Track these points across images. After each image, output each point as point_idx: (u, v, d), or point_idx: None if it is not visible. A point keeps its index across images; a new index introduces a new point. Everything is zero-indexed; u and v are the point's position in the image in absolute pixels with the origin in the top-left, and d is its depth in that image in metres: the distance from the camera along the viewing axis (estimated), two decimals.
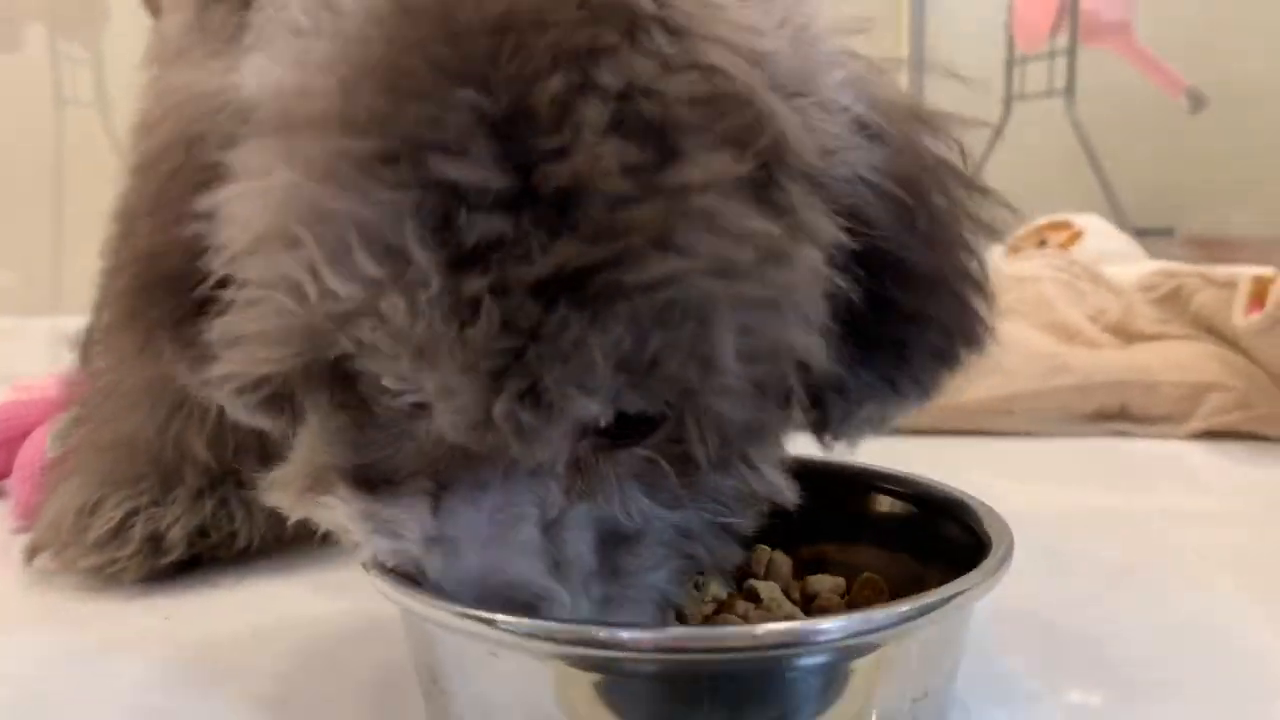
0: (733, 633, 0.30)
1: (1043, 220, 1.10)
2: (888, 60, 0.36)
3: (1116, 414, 0.78)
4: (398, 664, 0.40)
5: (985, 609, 0.34)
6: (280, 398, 0.34)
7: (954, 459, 0.71)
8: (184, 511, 0.51)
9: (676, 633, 0.31)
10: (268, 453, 0.52)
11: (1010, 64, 1.46)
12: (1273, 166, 1.45)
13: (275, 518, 0.52)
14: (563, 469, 0.32)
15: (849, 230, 0.31)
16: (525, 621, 0.30)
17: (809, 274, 0.29)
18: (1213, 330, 0.81)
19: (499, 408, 0.28)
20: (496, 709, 0.32)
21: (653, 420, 0.31)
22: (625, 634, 0.29)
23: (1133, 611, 0.47)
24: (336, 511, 0.33)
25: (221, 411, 0.49)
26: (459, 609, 0.30)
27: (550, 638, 0.29)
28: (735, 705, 0.30)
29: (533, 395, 0.28)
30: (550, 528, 0.32)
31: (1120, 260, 1.02)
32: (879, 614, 0.30)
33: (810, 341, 0.30)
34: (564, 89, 0.26)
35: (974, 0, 1.56)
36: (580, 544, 0.32)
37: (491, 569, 0.31)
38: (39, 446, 0.61)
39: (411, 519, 0.32)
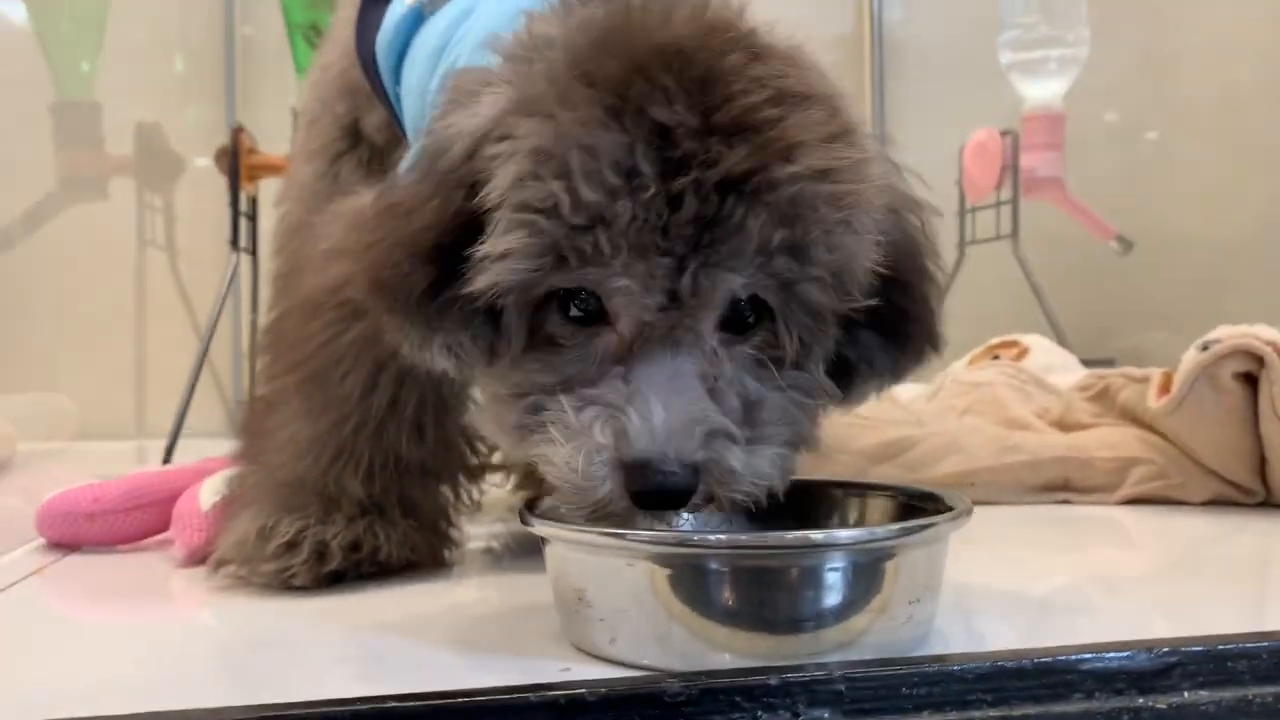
0: (790, 535, 0.46)
1: (995, 340, 1.29)
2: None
3: (1061, 485, 0.94)
4: (525, 612, 0.55)
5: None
6: (491, 319, 0.49)
7: None
8: (342, 530, 0.64)
9: (747, 536, 0.46)
10: (405, 496, 0.67)
11: (962, 214, 1.67)
12: (1198, 300, 1.65)
13: (406, 540, 0.67)
14: (708, 349, 0.48)
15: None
16: (646, 533, 0.46)
17: (872, 205, 0.48)
18: (1135, 418, 0.97)
19: (685, 280, 0.45)
20: (627, 606, 0.46)
21: (757, 322, 0.49)
22: (712, 537, 0.45)
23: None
24: (549, 415, 0.48)
25: (370, 459, 0.65)
26: (605, 529, 0.46)
27: (662, 542, 0.45)
28: (795, 592, 0.45)
29: (706, 268, 0.45)
30: (711, 388, 0.47)
31: (1061, 371, 1.20)
32: (893, 527, 0.47)
33: (866, 257, 0.48)
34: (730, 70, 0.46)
35: (928, 161, 1.79)
36: (733, 398, 0.48)
37: (677, 410, 0.46)
38: (194, 500, 0.76)
39: (611, 391, 0.47)
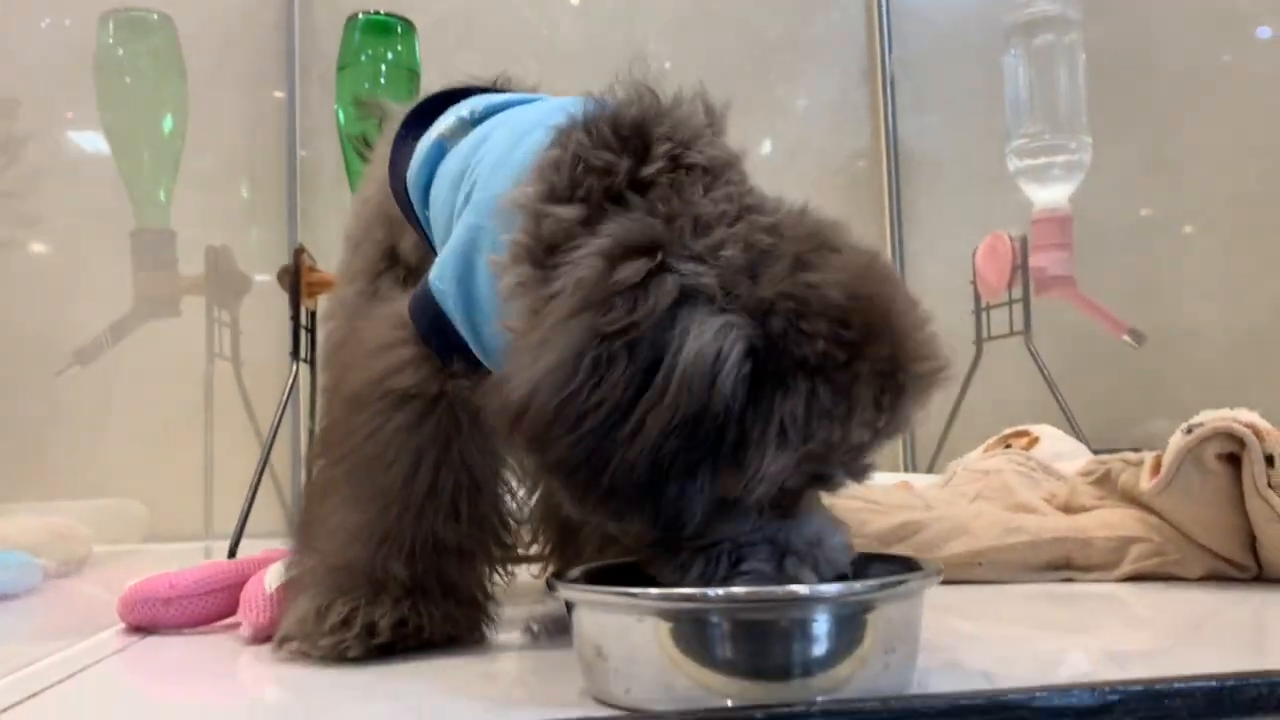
0: (780, 590, 0.53)
1: (1007, 430, 1.35)
2: None
3: (1063, 564, 0.99)
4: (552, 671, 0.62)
5: None
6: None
7: (940, 601, 0.92)
8: (389, 609, 0.71)
9: (741, 591, 0.54)
10: (445, 576, 0.74)
11: (978, 312, 1.74)
12: (1211, 389, 1.70)
13: (447, 618, 0.74)
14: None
15: None
16: (652, 590, 0.53)
17: None
18: (1133, 499, 1.03)
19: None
20: (639, 659, 0.54)
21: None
22: (711, 592, 0.53)
23: None
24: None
25: (413, 542, 0.72)
26: (617, 590, 0.54)
27: (666, 598, 0.53)
28: (786, 643, 0.52)
29: None
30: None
31: (1071, 458, 1.25)
32: (871, 583, 0.54)
33: None
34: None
35: (943, 267, 1.87)
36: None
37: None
38: (260, 585, 0.84)
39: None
